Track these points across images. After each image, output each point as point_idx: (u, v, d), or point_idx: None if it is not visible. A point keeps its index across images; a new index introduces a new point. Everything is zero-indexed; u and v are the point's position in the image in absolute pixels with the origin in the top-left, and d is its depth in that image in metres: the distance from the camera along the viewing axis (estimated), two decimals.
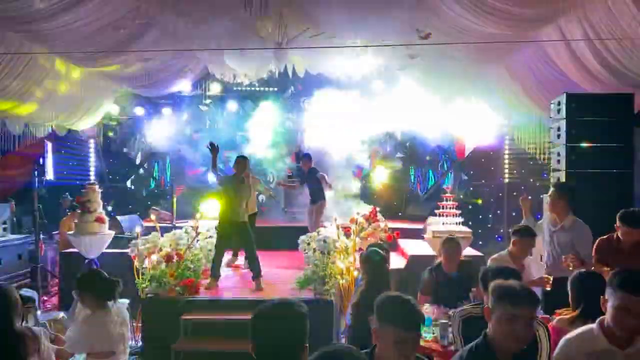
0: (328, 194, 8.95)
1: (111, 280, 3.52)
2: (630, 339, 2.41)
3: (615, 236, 4.43)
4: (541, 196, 6.35)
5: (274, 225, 10.08)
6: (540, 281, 4.32)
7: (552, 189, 4.89)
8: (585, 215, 4.93)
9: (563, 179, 5.76)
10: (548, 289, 4.22)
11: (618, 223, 4.33)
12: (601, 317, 2.51)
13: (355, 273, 5.73)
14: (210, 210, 7.14)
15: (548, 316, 3.61)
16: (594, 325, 2.50)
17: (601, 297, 2.53)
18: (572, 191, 4.89)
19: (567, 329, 2.90)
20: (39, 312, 5.76)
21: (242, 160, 6.60)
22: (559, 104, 5.95)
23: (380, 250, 4.39)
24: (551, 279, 4.26)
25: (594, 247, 4.51)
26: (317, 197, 8.72)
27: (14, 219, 8.82)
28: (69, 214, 8.60)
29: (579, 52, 5.86)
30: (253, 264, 6.45)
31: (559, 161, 5.93)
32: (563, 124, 5.82)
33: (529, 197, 5.33)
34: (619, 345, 2.41)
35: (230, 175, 6.62)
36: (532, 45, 6.40)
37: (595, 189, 5.56)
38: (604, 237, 4.51)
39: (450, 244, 4.84)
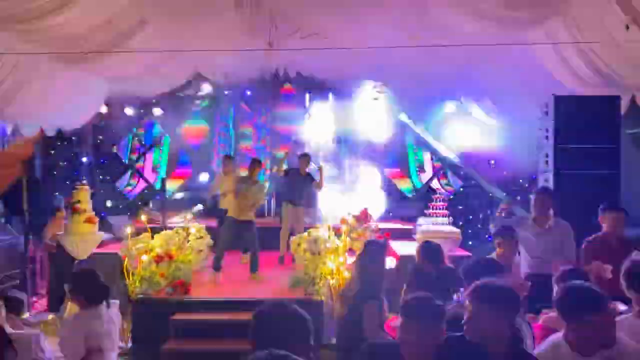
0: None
1: (103, 286, 3.50)
2: (595, 348, 2.46)
3: (600, 235, 4.52)
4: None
5: (264, 225, 10.04)
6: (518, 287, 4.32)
7: (540, 193, 4.94)
8: (572, 216, 5.01)
9: (551, 180, 5.85)
10: (525, 294, 4.27)
11: (605, 213, 4.51)
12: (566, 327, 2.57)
13: (346, 274, 5.75)
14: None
15: (534, 315, 3.65)
16: (560, 334, 2.57)
17: None
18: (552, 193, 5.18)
19: (554, 327, 2.94)
20: (27, 314, 5.74)
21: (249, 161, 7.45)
22: (547, 106, 6.02)
23: (378, 241, 4.45)
24: (529, 284, 4.32)
25: (584, 248, 4.56)
26: (309, 201, 8.73)
27: (3, 219, 8.75)
28: (54, 216, 8.54)
29: (567, 55, 5.93)
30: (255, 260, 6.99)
31: (547, 162, 6.00)
32: (551, 125, 5.89)
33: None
34: (583, 353, 2.47)
35: (244, 176, 7.28)
36: (520, 46, 6.46)
37: (583, 190, 5.64)
38: (590, 238, 4.59)
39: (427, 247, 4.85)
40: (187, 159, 11.75)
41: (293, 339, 1.91)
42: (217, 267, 6.91)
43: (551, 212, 4.95)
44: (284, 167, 8.37)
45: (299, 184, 8.39)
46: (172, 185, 11.32)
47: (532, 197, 4.97)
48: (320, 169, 8.53)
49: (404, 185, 11.74)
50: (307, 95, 11.49)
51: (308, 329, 1.96)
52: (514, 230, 4.60)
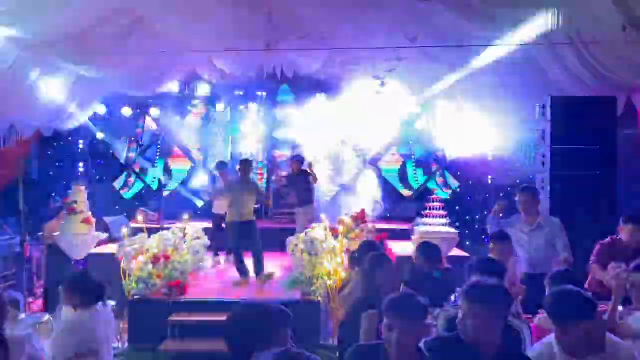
0: None
1: (98, 284, 3.50)
2: (586, 350, 2.47)
3: (617, 239, 4.46)
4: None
5: (260, 227, 10.01)
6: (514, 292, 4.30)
7: (526, 192, 4.92)
8: (569, 217, 5.01)
9: (548, 181, 5.86)
10: (521, 297, 4.26)
11: (626, 224, 4.38)
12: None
13: (343, 274, 5.74)
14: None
15: (531, 315, 3.65)
16: (554, 335, 2.58)
17: None
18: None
19: (549, 328, 2.94)
20: (23, 315, 5.71)
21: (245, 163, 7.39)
22: (543, 106, 6.03)
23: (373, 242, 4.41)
24: (524, 287, 4.31)
25: (595, 251, 4.50)
26: (306, 200, 8.72)
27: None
28: (57, 216, 8.50)
29: (564, 55, 5.94)
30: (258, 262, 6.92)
31: (543, 163, 6.01)
32: (548, 126, 5.91)
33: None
34: (575, 355, 2.48)
35: (236, 178, 7.35)
36: (517, 47, 6.46)
37: (579, 190, 5.67)
38: (605, 241, 4.52)
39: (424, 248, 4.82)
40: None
41: (266, 338, 1.90)
42: (241, 273, 6.91)
43: (539, 209, 4.94)
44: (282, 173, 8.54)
45: (295, 186, 8.62)
46: (175, 166, 11.55)
47: (518, 197, 4.95)
48: (310, 164, 8.68)
49: (391, 166, 11.67)
50: (305, 96, 11.46)
51: (282, 328, 1.95)
52: (507, 234, 4.55)
